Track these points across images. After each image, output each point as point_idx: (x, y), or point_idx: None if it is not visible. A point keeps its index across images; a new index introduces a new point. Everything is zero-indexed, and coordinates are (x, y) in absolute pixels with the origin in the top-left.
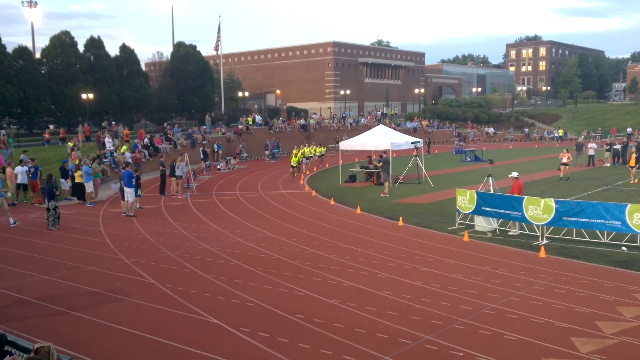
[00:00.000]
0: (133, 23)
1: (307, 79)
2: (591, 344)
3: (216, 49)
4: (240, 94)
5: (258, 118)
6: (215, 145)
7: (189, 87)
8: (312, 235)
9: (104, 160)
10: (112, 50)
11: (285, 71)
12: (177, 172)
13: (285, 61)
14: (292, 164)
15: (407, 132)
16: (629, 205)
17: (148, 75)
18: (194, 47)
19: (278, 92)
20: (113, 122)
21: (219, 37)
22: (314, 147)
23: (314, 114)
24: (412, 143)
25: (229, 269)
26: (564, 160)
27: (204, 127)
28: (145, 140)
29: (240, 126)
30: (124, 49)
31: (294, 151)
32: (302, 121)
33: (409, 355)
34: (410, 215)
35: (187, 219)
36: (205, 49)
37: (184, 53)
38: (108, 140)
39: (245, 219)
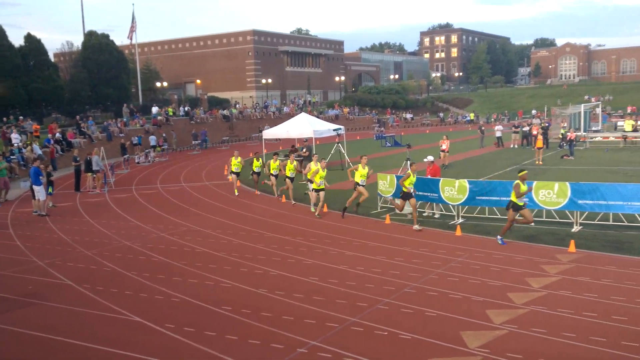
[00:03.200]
0: (39, 11)
1: (227, 68)
2: (504, 314)
3: (130, 37)
4: (158, 84)
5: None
6: (134, 138)
7: (103, 78)
8: (237, 226)
9: (11, 157)
10: (17, 40)
11: (205, 60)
12: (94, 167)
13: (204, 50)
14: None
15: (329, 119)
16: (535, 182)
17: (58, 66)
18: (107, 36)
19: (198, 81)
20: (21, 117)
21: (133, 25)
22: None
23: (237, 103)
24: (334, 130)
25: (151, 265)
26: (443, 147)
27: (122, 119)
28: (57, 134)
29: (159, 117)
30: (30, 38)
31: (272, 162)
32: (225, 111)
33: (335, 339)
34: (335, 201)
35: (106, 216)
36: (119, 38)
37: (96, 43)
38: (15, 136)
39: (168, 212)
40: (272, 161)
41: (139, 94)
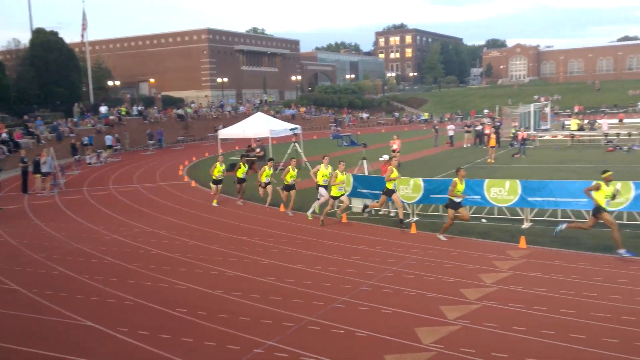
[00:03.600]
0: None
1: (182, 67)
2: (457, 310)
3: (82, 35)
4: (110, 83)
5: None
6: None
7: (52, 76)
8: (193, 227)
9: None
10: None
11: (158, 59)
12: (45, 168)
13: (158, 49)
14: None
15: (285, 119)
16: (487, 180)
17: (3, 64)
18: (56, 33)
19: (152, 80)
20: None
21: (84, 23)
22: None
23: (192, 102)
24: (290, 130)
25: (104, 268)
26: (394, 147)
27: (73, 119)
28: (4, 134)
29: (111, 117)
30: None
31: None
32: (179, 110)
33: (292, 338)
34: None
35: (55, 218)
36: (69, 36)
37: (45, 40)
38: None
39: (121, 214)
40: (266, 167)
41: (90, 92)
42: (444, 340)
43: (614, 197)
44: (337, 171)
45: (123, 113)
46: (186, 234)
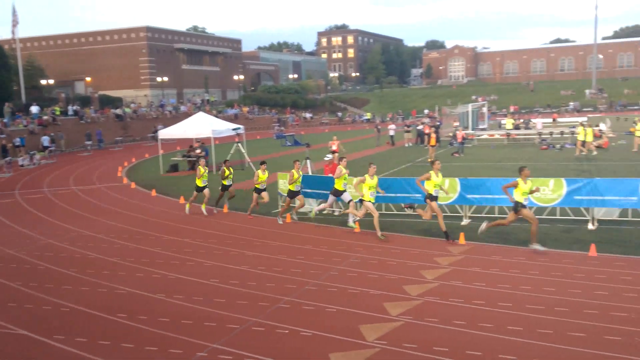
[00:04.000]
0: None
1: (120, 66)
2: (400, 306)
3: (13, 32)
4: (44, 81)
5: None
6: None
7: None
8: (133, 230)
9: None
10: None
11: (95, 57)
12: None
13: (94, 46)
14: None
15: (228, 119)
16: None
17: None
18: None
19: (88, 79)
20: None
21: (14, 19)
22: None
23: (132, 102)
24: (233, 130)
25: (38, 274)
26: (334, 147)
27: (3, 119)
28: None
29: (45, 117)
30: None
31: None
32: (117, 110)
33: (236, 340)
34: (235, 201)
35: None
36: None
37: None
38: None
39: (56, 217)
40: (259, 172)
41: (22, 91)
42: (387, 336)
43: None
44: (366, 175)
45: (57, 113)
46: (126, 237)
